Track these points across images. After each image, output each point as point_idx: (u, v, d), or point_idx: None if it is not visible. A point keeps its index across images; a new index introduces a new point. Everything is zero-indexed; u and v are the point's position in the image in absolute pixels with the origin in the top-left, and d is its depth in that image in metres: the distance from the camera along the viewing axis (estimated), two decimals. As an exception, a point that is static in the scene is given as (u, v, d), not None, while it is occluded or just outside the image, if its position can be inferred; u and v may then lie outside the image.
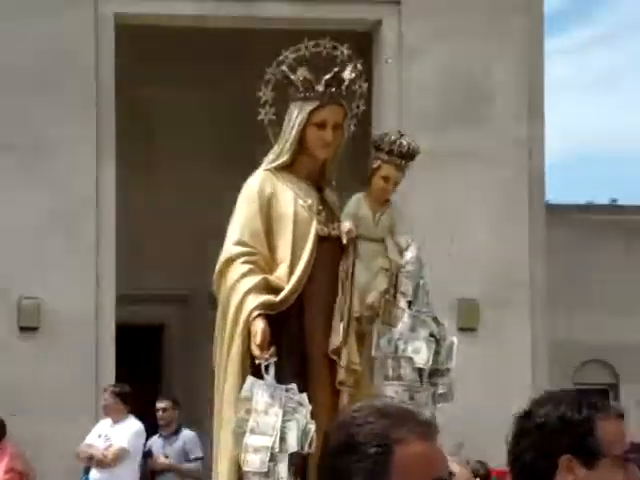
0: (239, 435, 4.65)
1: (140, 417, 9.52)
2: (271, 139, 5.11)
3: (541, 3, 10.97)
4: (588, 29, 59.63)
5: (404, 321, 5.35)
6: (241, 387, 4.66)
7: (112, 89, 10.35)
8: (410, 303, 5.35)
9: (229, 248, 4.95)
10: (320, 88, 4.98)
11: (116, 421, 9.27)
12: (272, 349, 4.59)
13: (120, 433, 9.21)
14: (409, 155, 5.64)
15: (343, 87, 5.05)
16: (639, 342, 13.54)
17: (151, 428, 9.95)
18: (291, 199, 5.02)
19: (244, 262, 4.83)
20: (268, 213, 4.95)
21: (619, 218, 15.09)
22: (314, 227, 4.96)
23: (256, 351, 4.60)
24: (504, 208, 10.51)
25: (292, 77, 5.03)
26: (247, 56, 11.30)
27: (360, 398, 4.60)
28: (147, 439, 9.77)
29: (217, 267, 4.93)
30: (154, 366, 12.87)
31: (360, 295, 5.20)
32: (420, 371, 5.30)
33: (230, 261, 4.88)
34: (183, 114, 12.31)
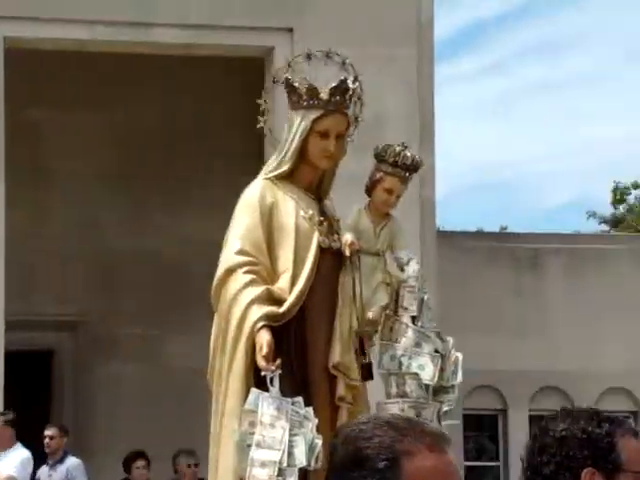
0: (243, 448, 4.50)
1: (30, 444, 9.32)
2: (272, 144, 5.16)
3: (431, 32, 11.22)
4: (478, 58, 61.30)
5: (408, 336, 5.21)
6: (245, 399, 4.52)
7: (1, 111, 10.19)
8: (414, 318, 5.23)
9: (230, 257, 4.78)
10: (325, 96, 4.87)
11: (3, 449, 9.07)
12: (278, 361, 4.46)
13: (7, 462, 9.07)
14: (413, 167, 5.61)
15: (347, 96, 4.97)
16: (528, 368, 13.75)
17: (41, 455, 9.79)
18: (292, 209, 4.90)
19: (246, 272, 4.68)
20: (269, 223, 4.81)
21: (509, 245, 15.40)
22: (316, 238, 4.86)
23: (262, 363, 4.46)
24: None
25: (296, 84, 4.90)
26: (138, 79, 11.29)
27: (358, 414, 4.59)
28: (37, 466, 9.58)
29: (217, 276, 4.78)
30: (44, 392, 12.64)
31: (360, 310, 5.06)
32: (426, 388, 5.18)
33: (231, 271, 4.73)
34: (73, 136, 12.19)
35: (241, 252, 4.75)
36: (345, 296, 4.97)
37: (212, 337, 4.89)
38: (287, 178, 4.97)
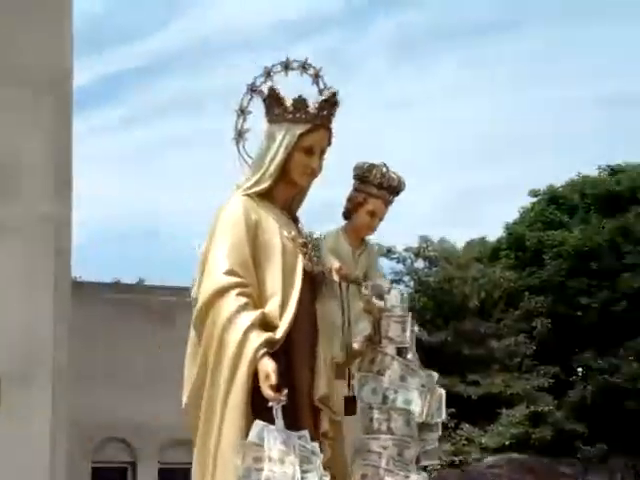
0: None
1: None
2: (243, 164, 4.61)
3: (70, 80, 11.22)
4: (118, 109, 61.78)
5: (394, 369, 4.88)
6: (246, 431, 4.16)
7: None
8: (400, 350, 4.88)
9: (219, 278, 4.33)
10: (312, 110, 4.53)
11: None
12: (285, 391, 4.13)
13: None
14: (398, 189, 5.28)
15: (334, 111, 4.64)
16: (158, 422, 13.96)
17: None
18: (276, 229, 4.54)
19: (239, 294, 4.28)
20: (254, 241, 4.46)
21: (145, 297, 15.63)
22: (300, 261, 4.56)
23: (269, 392, 4.12)
24: (29, 285, 10.47)
25: (282, 95, 4.54)
26: None
27: (338, 452, 4.60)
28: None
29: (203, 298, 4.33)
30: None
31: (347, 339, 4.80)
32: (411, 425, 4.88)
33: (222, 292, 4.29)
34: None
35: (230, 272, 4.33)
36: (325, 324, 4.73)
37: (192, 366, 4.49)
38: (264, 196, 4.60)
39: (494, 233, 32.08)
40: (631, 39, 50.87)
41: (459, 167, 52.28)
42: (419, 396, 4.76)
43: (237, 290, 4.22)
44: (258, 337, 4.14)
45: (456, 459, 19.82)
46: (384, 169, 5.11)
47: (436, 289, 25.86)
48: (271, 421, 4.07)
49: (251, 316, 4.19)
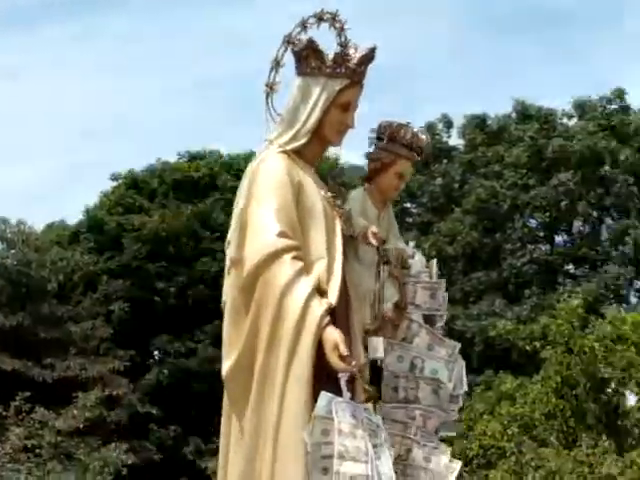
0: (317, 460, 3.81)
1: None
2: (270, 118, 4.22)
3: None
4: None
5: (422, 337, 4.62)
6: (311, 404, 3.85)
7: None
8: (428, 318, 4.63)
9: (272, 240, 3.95)
10: (352, 65, 4.17)
11: None
12: (354, 361, 3.87)
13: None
14: (424, 151, 4.93)
15: (368, 67, 4.27)
16: None
17: None
18: (316, 191, 4.19)
19: (294, 258, 3.94)
20: (299, 204, 4.09)
21: None
22: (339, 224, 4.23)
23: (339, 363, 3.84)
24: None
25: (321, 48, 4.18)
26: None
27: None
28: None
29: (254, 261, 3.93)
30: None
31: (370, 305, 4.40)
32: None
33: (277, 255, 3.92)
34: None
35: (283, 234, 3.96)
36: (356, 290, 4.36)
37: (235, 330, 4.06)
38: (298, 153, 4.21)
39: (74, 217, 31.75)
40: (207, 27, 52.94)
41: (46, 148, 50.97)
42: (445, 366, 4.66)
43: (292, 253, 3.94)
44: (320, 305, 3.91)
45: (29, 443, 19.22)
46: (415, 129, 4.93)
47: (13, 272, 24.94)
48: (336, 393, 3.87)
49: (310, 282, 3.94)
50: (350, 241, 4.35)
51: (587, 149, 26.94)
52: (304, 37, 4.20)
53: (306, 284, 3.90)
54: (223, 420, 4.15)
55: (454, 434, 4.79)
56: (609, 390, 15.72)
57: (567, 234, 30.00)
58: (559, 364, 15.84)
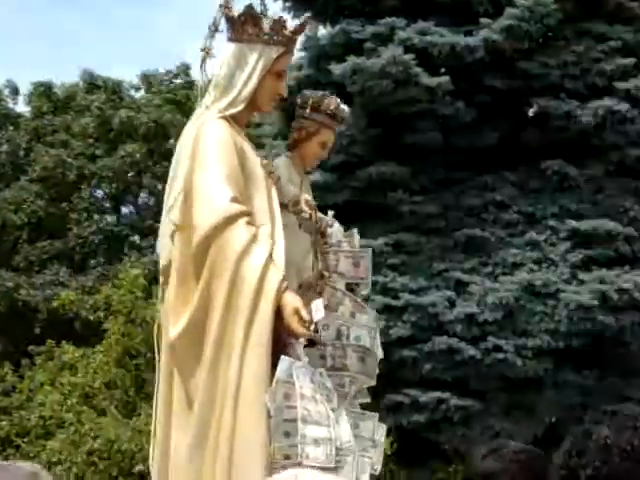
0: (279, 424, 3.86)
1: None
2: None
3: None
4: None
5: (346, 305, 4.69)
6: (270, 369, 3.92)
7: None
8: (349, 286, 4.78)
9: (224, 205, 3.91)
10: (288, 33, 4.29)
11: None
12: (313, 325, 4.03)
13: None
14: (343, 121, 5.13)
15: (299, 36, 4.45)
16: None
17: None
18: (255, 157, 4.26)
19: (248, 223, 3.96)
20: (243, 169, 4.12)
21: None
22: (274, 193, 4.30)
23: (299, 328, 3.96)
24: None
25: (259, 15, 4.23)
26: None
27: None
28: None
29: (207, 226, 3.86)
30: None
31: (296, 273, 4.46)
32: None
33: (230, 221, 3.89)
34: None
35: (235, 200, 3.99)
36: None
37: (197, 297, 3.99)
38: (232, 119, 4.25)
39: None
40: None
41: None
42: (368, 333, 4.70)
43: (246, 219, 3.98)
44: (277, 271, 3.95)
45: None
46: (337, 99, 5.01)
47: None
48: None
49: (266, 247, 3.98)
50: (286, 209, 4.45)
51: (153, 122, 27.61)
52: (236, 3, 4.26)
53: (263, 249, 3.95)
54: (162, 389, 4.16)
55: (368, 400, 4.95)
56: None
57: (133, 205, 30.59)
58: (121, 334, 16.23)
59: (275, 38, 4.28)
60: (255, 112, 4.58)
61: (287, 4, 18.22)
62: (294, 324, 3.99)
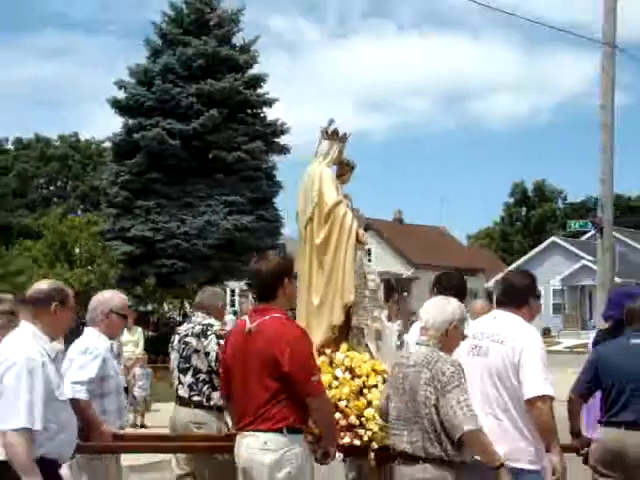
0: None
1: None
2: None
3: None
4: None
5: None
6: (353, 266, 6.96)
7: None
8: None
9: (337, 197, 7.01)
10: (343, 139, 7.46)
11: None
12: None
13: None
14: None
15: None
16: None
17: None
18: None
19: (343, 202, 7.03)
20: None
21: None
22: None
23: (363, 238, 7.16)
24: None
25: (335, 131, 7.37)
26: None
27: None
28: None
29: (332, 203, 6.95)
30: None
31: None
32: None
33: (339, 203, 6.95)
34: None
35: (338, 196, 7.04)
36: None
37: (327, 237, 6.93)
38: None
39: None
40: None
41: None
42: None
43: (343, 201, 7.05)
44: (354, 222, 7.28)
45: None
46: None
47: None
48: None
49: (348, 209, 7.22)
50: None
51: None
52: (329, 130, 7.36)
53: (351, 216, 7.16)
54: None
55: None
56: None
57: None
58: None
59: (338, 142, 7.44)
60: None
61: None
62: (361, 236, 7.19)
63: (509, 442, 5.43)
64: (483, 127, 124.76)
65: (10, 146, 54.37)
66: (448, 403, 5.09)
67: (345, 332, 6.63)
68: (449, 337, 5.38)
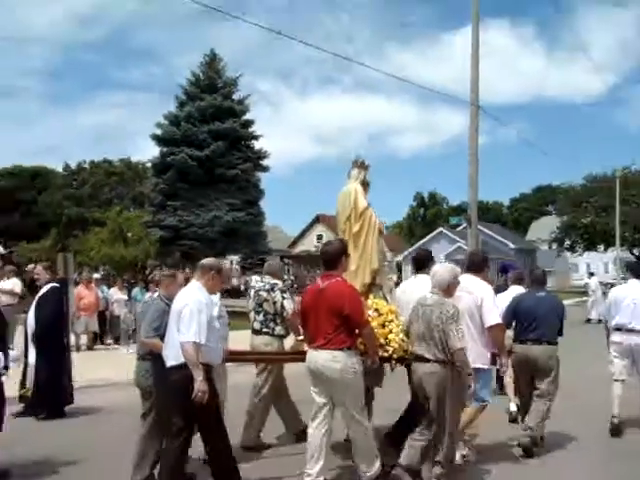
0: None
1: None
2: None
3: None
4: None
5: None
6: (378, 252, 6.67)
7: None
8: None
9: (365, 203, 6.69)
10: (365, 166, 7.03)
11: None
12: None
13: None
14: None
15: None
16: None
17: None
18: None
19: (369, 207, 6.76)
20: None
21: None
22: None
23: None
24: None
25: (362, 161, 7.01)
26: None
27: None
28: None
29: (362, 207, 6.63)
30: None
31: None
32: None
33: (367, 207, 6.68)
34: None
35: (368, 205, 6.68)
36: None
37: (360, 227, 6.62)
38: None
39: None
40: None
41: None
42: None
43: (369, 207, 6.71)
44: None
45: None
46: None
47: None
48: None
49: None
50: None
51: None
52: (358, 162, 6.97)
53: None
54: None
55: None
56: None
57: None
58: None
59: (364, 169, 7.03)
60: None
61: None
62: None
63: (474, 351, 5.81)
64: (396, 155, 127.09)
65: (87, 166, 56.16)
66: (448, 331, 5.42)
67: (371, 288, 6.63)
68: (449, 289, 5.69)
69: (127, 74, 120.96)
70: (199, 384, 5.00)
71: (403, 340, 5.94)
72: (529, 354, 6.83)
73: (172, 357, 5.21)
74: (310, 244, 61.51)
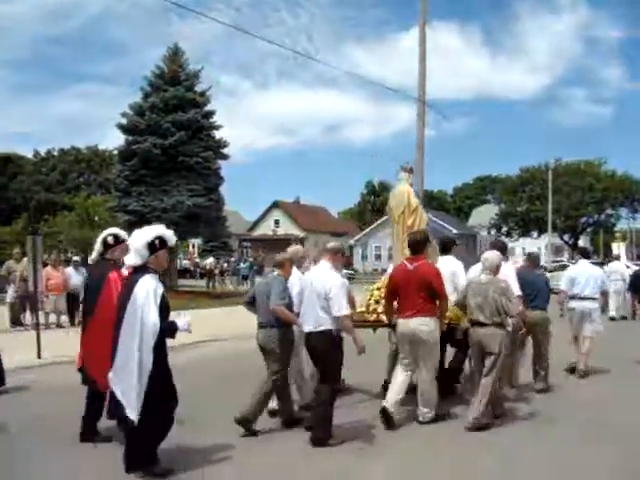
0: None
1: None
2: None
3: None
4: None
5: None
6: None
7: None
8: None
9: (416, 201, 7.51)
10: (409, 170, 7.95)
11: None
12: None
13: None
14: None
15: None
16: None
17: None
18: None
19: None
20: None
21: None
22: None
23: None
24: None
25: (408, 165, 7.98)
26: None
27: None
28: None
29: (415, 204, 7.51)
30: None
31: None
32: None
33: (418, 205, 7.51)
34: None
35: (418, 203, 7.46)
36: None
37: (414, 221, 7.42)
38: None
39: None
40: None
41: None
42: None
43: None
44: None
45: None
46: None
47: None
48: None
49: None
50: None
51: None
52: (407, 167, 7.81)
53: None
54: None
55: None
56: None
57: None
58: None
59: (411, 173, 8.09)
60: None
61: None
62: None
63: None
64: (349, 145, 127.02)
65: (56, 153, 54.91)
66: (502, 300, 6.44)
67: None
68: (497, 270, 6.64)
69: (96, 67, 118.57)
70: (360, 343, 5.82)
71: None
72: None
73: (311, 324, 5.93)
74: (267, 228, 61.51)
